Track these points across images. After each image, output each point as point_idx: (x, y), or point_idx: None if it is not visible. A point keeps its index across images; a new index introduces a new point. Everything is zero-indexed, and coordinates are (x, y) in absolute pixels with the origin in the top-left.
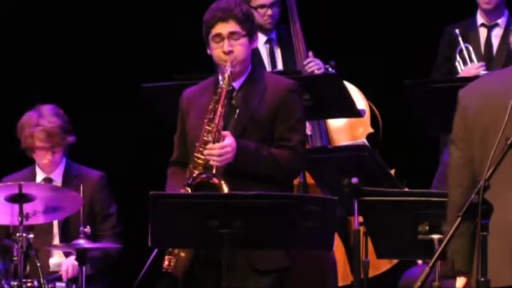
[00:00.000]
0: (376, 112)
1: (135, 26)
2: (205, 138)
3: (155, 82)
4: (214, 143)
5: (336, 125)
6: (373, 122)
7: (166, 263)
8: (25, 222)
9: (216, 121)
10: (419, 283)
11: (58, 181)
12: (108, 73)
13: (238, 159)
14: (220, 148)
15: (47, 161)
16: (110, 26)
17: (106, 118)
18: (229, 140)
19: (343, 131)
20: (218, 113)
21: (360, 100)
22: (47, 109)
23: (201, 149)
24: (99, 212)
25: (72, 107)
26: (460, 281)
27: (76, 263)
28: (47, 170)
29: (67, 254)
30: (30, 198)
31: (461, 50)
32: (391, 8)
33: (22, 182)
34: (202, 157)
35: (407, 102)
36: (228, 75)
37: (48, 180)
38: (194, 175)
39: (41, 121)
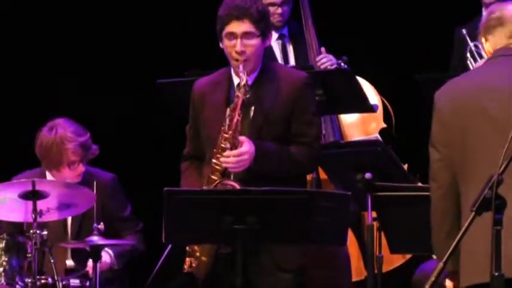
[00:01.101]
0: (389, 107)
1: (146, 24)
2: (222, 145)
3: (168, 78)
4: (231, 149)
5: (349, 120)
6: (386, 117)
7: (187, 264)
8: (39, 219)
9: (233, 128)
10: (433, 278)
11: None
12: (119, 71)
13: (257, 163)
14: (237, 155)
15: (79, 173)
16: (122, 24)
17: (118, 115)
18: (246, 147)
19: (355, 126)
20: (235, 121)
21: (372, 95)
22: (66, 124)
23: (218, 155)
24: (115, 216)
25: (85, 105)
26: (449, 283)
27: (105, 259)
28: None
29: (78, 254)
30: (44, 195)
31: (470, 49)
32: (402, 4)
33: (36, 179)
34: (220, 163)
35: (421, 97)
36: (245, 84)
37: None
38: (211, 185)
39: (70, 135)
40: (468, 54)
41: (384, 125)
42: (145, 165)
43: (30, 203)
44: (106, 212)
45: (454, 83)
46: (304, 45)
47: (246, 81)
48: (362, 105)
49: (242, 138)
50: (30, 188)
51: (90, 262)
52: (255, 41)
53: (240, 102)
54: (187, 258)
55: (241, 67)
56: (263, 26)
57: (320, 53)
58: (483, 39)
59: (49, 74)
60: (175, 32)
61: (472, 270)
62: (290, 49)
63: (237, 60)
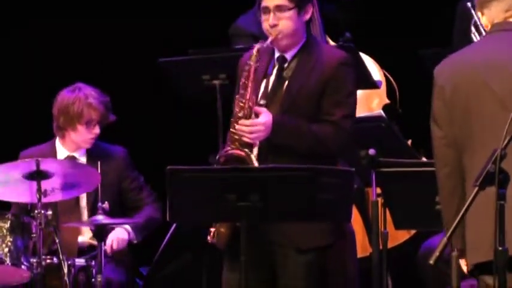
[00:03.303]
0: (393, 83)
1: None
2: (238, 114)
3: (172, 57)
4: (246, 119)
5: None
6: (390, 92)
7: (211, 235)
8: (43, 199)
9: (247, 97)
10: (437, 253)
11: (83, 159)
12: (125, 49)
13: (274, 137)
14: (250, 125)
15: (93, 136)
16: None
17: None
18: (263, 118)
19: (358, 102)
20: (249, 89)
21: (375, 71)
22: (87, 86)
23: (234, 124)
24: (131, 186)
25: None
26: (462, 262)
27: (123, 236)
28: (72, 148)
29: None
30: (48, 175)
31: (475, 22)
32: None
33: (40, 159)
34: (236, 133)
35: (425, 72)
36: (256, 52)
37: (72, 157)
38: (223, 152)
39: (94, 94)
40: (473, 28)
41: (387, 101)
42: (151, 144)
43: (34, 183)
44: (122, 184)
45: (454, 58)
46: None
47: (258, 49)
48: (366, 82)
49: (260, 109)
50: (34, 168)
51: (109, 240)
52: (288, 14)
53: (252, 70)
54: (211, 228)
55: (261, 42)
56: None
57: (323, 28)
58: (479, 13)
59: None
60: (179, 12)
61: (478, 249)
62: None
63: (270, 34)
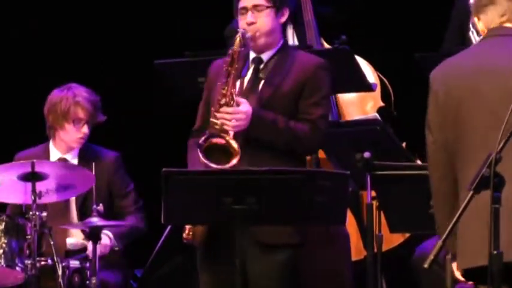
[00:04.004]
0: (388, 85)
1: (148, 3)
2: (220, 102)
3: (167, 59)
4: (227, 106)
5: (346, 99)
6: (385, 95)
7: (186, 232)
8: (38, 201)
9: (230, 84)
10: (431, 257)
11: (74, 161)
12: (120, 51)
13: (252, 128)
14: (232, 113)
15: (82, 135)
16: (122, 4)
17: (119, 97)
18: (244, 107)
19: (353, 105)
20: (231, 76)
21: (370, 74)
22: (79, 86)
23: (216, 113)
24: (118, 191)
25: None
26: (455, 265)
27: (105, 242)
28: (64, 150)
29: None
30: (43, 177)
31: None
32: None
33: (35, 160)
34: (217, 121)
35: (420, 75)
36: (239, 37)
37: (63, 160)
38: (204, 136)
39: (83, 93)
40: (471, 26)
41: (382, 104)
42: (146, 146)
43: (29, 185)
44: (110, 189)
45: (449, 63)
46: (303, 23)
47: (241, 34)
48: (361, 84)
49: (241, 99)
50: (29, 169)
51: (89, 245)
52: (265, 12)
53: (235, 55)
54: (186, 226)
55: (250, 33)
56: None
57: (318, 31)
58: (475, 19)
59: (56, 55)
60: (175, 15)
61: (466, 254)
62: (290, 29)
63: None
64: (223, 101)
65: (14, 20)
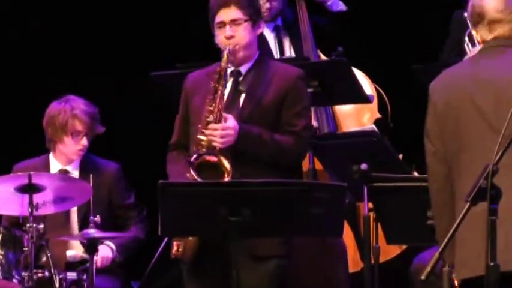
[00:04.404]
0: (385, 97)
1: (139, 17)
2: (207, 119)
3: (162, 70)
4: (216, 123)
5: (343, 110)
6: (382, 107)
7: (175, 248)
8: (35, 213)
9: (217, 101)
10: (429, 268)
11: (75, 173)
12: (117, 63)
13: (240, 143)
14: (222, 129)
15: (81, 147)
16: (118, 17)
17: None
18: (231, 123)
19: (350, 116)
20: (219, 92)
21: (367, 86)
22: (77, 98)
23: (203, 130)
24: (119, 202)
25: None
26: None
27: (107, 254)
28: (65, 161)
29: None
30: (40, 189)
31: (470, 33)
32: None
33: (32, 172)
34: (205, 138)
35: (417, 86)
36: (227, 54)
37: (64, 171)
38: (196, 154)
39: (80, 106)
40: (466, 38)
41: (379, 115)
42: (145, 156)
43: (26, 197)
44: (111, 200)
45: (448, 73)
46: (299, 35)
47: (229, 51)
48: (358, 96)
49: (227, 115)
50: (26, 181)
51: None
52: (243, 26)
53: (223, 72)
54: (174, 242)
55: (228, 46)
56: (251, 12)
57: (315, 43)
58: (474, 31)
59: (54, 66)
60: (170, 26)
61: (465, 264)
62: (286, 41)
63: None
64: (211, 118)
65: (13, 29)
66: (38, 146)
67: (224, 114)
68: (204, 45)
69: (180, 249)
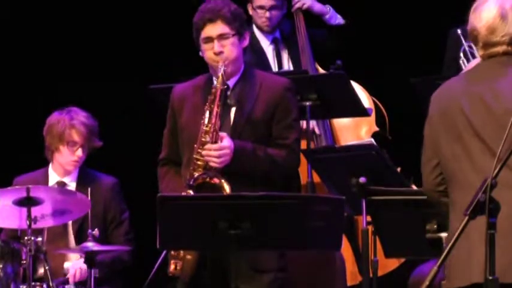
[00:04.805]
0: (383, 110)
1: (141, 29)
2: (203, 139)
3: (162, 84)
4: (212, 143)
5: (341, 123)
6: (380, 119)
7: (172, 267)
8: (33, 226)
9: (213, 121)
10: (427, 282)
11: (72, 185)
12: (116, 76)
13: (235, 160)
14: (218, 149)
15: (76, 158)
16: (117, 28)
17: (115, 121)
18: (227, 142)
19: (348, 129)
20: (214, 113)
21: (364, 99)
22: (79, 110)
23: (199, 150)
24: (113, 218)
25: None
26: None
27: (84, 266)
28: (62, 173)
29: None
30: (38, 202)
31: (464, 49)
32: (395, 7)
33: (30, 186)
34: (202, 158)
35: (415, 99)
36: (222, 75)
37: (61, 183)
38: (195, 176)
39: (80, 118)
40: (461, 54)
41: (376, 129)
42: (143, 170)
43: (24, 210)
44: (106, 214)
45: (445, 86)
46: (297, 47)
47: (224, 71)
48: (356, 109)
49: (222, 133)
50: (24, 194)
51: (71, 269)
52: (231, 40)
53: (218, 93)
54: (171, 261)
55: (221, 63)
56: (237, 26)
57: (313, 56)
58: (475, 48)
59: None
60: (169, 39)
61: (454, 275)
62: (284, 53)
63: (216, 62)
64: (207, 138)
65: (14, 41)
66: (39, 159)
67: (220, 134)
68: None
69: (178, 268)
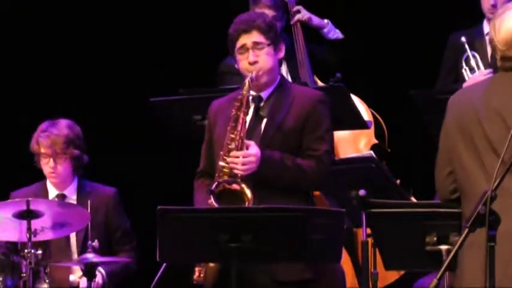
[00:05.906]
0: (382, 122)
1: (143, 43)
2: (229, 146)
3: (163, 96)
4: (237, 150)
5: (340, 136)
6: (379, 132)
7: (196, 274)
8: (33, 239)
9: (239, 128)
10: None
11: (72, 197)
12: (117, 88)
13: (262, 170)
14: (243, 156)
15: (50, 170)
16: (117, 41)
17: (117, 135)
18: (253, 150)
19: (347, 142)
20: (240, 120)
21: (363, 111)
22: (61, 121)
23: (225, 157)
24: (115, 229)
25: (82, 122)
26: None
27: (99, 280)
28: (59, 186)
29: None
30: (38, 215)
31: (467, 58)
32: (393, 19)
33: (30, 199)
34: (227, 165)
35: (414, 112)
36: (248, 81)
37: (61, 196)
38: (217, 182)
39: (50, 129)
40: (463, 63)
41: (376, 141)
42: (143, 182)
43: (24, 223)
44: (107, 225)
45: (464, 93)
46: (296, 60)
47: (251, 79)
48: (356, 122)
49: (249, 142)
50: (24, 207)
51: (82, 282)
52: (266, 50)
53: (244, 100)
54: (196, 268)
55: (254, 72)
56: (272, 36)
57: (311, 70)
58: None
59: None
60: (171, 51)
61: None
62: (283, 66)
63: (251, 72)
64: (232, 145)
65: (14, 54)
66: (36, 173)
67: (246, 142)
68: (207, 71)
69: (202, 275)
